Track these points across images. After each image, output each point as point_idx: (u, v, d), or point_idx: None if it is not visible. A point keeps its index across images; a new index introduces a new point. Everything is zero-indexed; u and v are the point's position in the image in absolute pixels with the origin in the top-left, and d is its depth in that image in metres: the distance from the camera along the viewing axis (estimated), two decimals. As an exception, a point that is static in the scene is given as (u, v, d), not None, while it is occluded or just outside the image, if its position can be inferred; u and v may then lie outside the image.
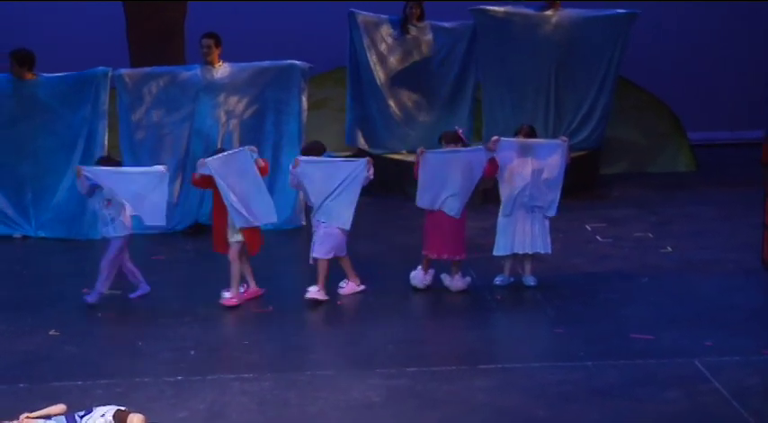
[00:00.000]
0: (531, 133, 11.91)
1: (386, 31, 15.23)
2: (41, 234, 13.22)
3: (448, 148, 11.78)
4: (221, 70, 13.50)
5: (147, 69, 13.63)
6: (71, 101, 13.32)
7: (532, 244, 11.80)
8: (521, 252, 11.84)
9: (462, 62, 15.37)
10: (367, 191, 11.76)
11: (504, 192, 11.79)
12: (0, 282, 11.58)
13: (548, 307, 11.42)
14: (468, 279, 11.88)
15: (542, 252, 11.86)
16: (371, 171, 11.55)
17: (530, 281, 11.91)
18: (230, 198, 11.26)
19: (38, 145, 13.34)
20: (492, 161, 11.65)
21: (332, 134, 15.63)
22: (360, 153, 15.55)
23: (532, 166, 11.72)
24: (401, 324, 11.08)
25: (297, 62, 13.74)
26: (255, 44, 15.57)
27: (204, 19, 15.02)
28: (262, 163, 11.44)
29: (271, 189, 13.27)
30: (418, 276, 11.84)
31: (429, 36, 15.31)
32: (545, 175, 11.74)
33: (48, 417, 8.96)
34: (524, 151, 11.73)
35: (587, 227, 13.86)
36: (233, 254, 11.46)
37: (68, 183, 13.24)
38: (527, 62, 15.17)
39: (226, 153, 11.42)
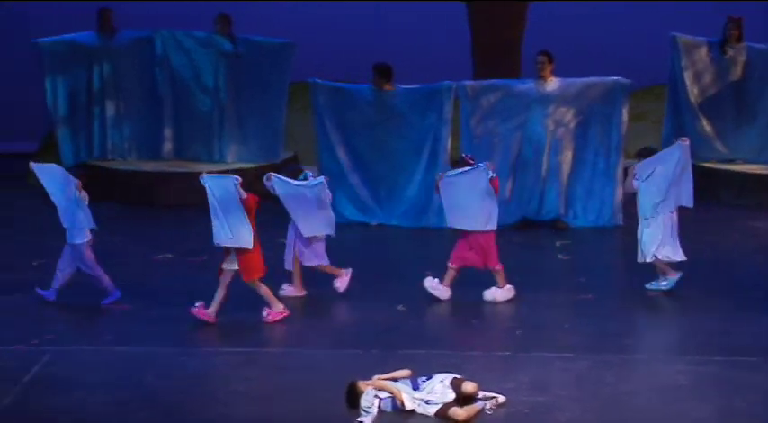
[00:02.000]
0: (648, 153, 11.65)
1: (704, 53, 15.03)
2: (394, 222, 13.72)
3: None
4: (552, 84, 13.67)
5: (486, 82, 13.95)
6: (421, 109, 13.75)
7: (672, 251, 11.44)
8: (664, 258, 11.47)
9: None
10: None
11: (642, 202, 11.48)
12: (354, 262, 11.98)
13: None
14: (505, 288, 11.40)
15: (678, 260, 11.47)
16: (327, 191, 11.34)
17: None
18: (216, 213, 10.72)
19: (392, 147, 13.83)
20: (493, 180, 11.28)
21: (649, 144, 15.54)
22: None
23: (662, 174, 11.39)
24: (708, 317, 10.92)
25: (620, 79, 13.77)
26: (584, 60, 15.62)
27: (540, 37, 15.14)
28: (244, 195, 10.66)
29: (591, 188, 13.46)
30: (435, 287, 11.44)
31: (745, 57, 15.03)
32: (672, 176, 11.40)
33: (395, 379, 9.29)
34: (653, 167, 11.43)
35: None
36: (224, 279, 10.86)
37: (418, 179, 13.73)
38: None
39: (217, 175, 11.07)
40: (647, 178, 11.46)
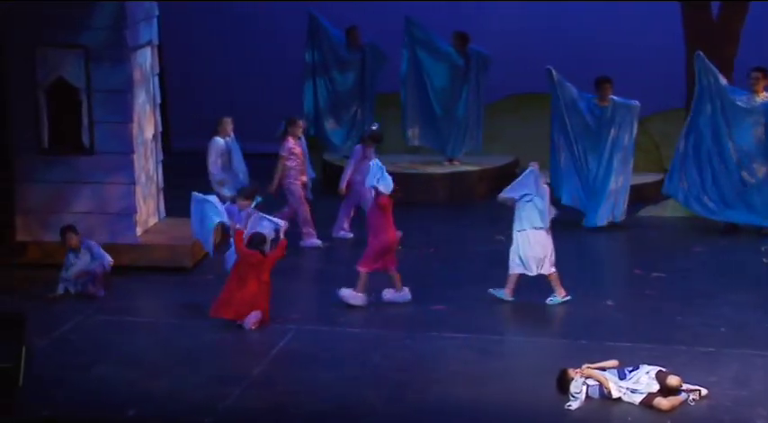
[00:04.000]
0: None
1: None
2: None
3: None
4: (763, 97, 13.20)
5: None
6: (629, 121, 13.45)
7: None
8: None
9: None
10: None
11: (517, 217, 11.07)
12: (568, 261, 11.76)
13: None
14: (357, 294, 10.98)
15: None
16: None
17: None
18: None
19: (606, 153, 13.51)
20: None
21: None
22: None
23: (536, 196, 10.98)
24: None
25: (833, 94, 13.17)
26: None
27: (755, 54, 14.49)
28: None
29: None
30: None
31: None
32: (543, 196, 10.99)
33: (603, 369, 9.22)
34: (522, 190, 11.03)
35: None
36: None
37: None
38: None
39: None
40: (526, 199, 10.98)
